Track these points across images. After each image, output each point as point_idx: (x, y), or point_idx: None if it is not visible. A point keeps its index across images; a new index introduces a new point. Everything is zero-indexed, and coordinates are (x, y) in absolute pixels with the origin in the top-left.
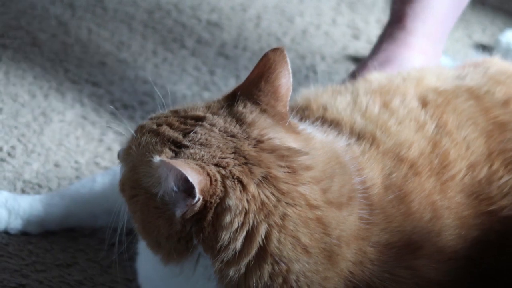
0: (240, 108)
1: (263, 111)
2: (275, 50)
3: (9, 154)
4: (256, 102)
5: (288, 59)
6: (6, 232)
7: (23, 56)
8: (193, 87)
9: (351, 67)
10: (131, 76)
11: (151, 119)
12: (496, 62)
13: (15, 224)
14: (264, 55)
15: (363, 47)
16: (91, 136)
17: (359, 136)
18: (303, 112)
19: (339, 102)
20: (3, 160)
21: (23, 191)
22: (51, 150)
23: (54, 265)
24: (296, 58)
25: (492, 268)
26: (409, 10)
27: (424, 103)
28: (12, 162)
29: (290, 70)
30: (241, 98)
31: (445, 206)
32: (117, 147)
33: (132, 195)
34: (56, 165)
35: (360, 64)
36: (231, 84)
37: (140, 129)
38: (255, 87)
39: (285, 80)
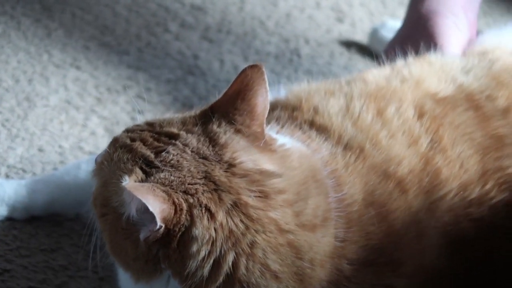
0: (215, 127)
1: (238, 131)
2: (253, 67)
3: None
4: (231, 122)
5: (266, 77)
6: None
7: (7, 40)
8: (177, 71)
9: (336, 50)
10: (115, 61)
11: (126, 131)
12: (502, 54)
13: (1, 210)
14: (242, 71)
15: (347, 30)
16: (75, 120)
17: (346, 145)
18: (292, 112)
19: (331, 106)
20: None
21: (7, 176)
22: (35, 135)
23: (39, 250)
24: (280, 41)
25: (477, 286)
26: None
27: (420, 113)
28: None
29: (268, 88)
30: (216, 116)
31: (431, 226)
32: (101, 132)
33: (102, 213)
34: (40, 149)
35: (389, 42)
36: (215, 68)
37: (114, 143)
38: (231, 105)
39: (262, 98)
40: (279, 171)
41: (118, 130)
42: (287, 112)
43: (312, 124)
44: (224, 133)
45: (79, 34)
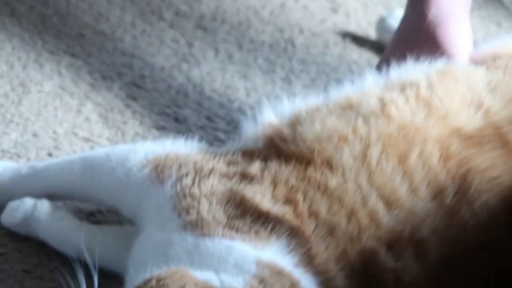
0: None
1: None
2: None
3: None
4: None
5: None
6: None
7: (1, 27)
8: (171, 59)
9: (330, 40)
10: (110, 48)
11: None
12: None
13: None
14: None
15: (341, 21)
16: (69, 106)
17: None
18: (306, 168)
19: (346, 157)
20: None
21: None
22: (30, 120)
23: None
24: (275, 31)
25: None
26: None
27: (446, 157)
28: None
29: None
30: None
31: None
32: (95, 118)
33: None
34: (34, 135)
35: (387, 49)
36: (209, 57)
37: None
38: None
39: None
40: None
41: (112, 117)
42: (296, 168)
43: (325, 189)
44: None
45: (74, 21)
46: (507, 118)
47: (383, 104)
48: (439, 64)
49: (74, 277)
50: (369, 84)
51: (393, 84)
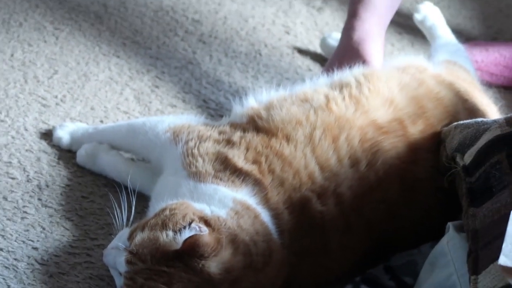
0: None
1: None
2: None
3: (61, 100)
4: None
5: None
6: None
7: (71, 37)
8: (182, 61)
9: (284, 51)
10: (142, 53)
11: None
12: (427, 78)
13: (65, 139)
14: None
15: (291, 39)
16: (115, 90)
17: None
18: (269, 138)
19: (299, 135)
20: (57, 104)
21: None
22: (89, 99)
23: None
24: (249, 45)
25: None
26: (359, 6)
27: (364, 140)
28: (63, 106)
29: None
30: None
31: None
32: (131, 98)
33: None
34: (92, 108)
35: (329, 60)
36: (206, 61)
37: None
38: None
39: None
40: None
41: (142, 98)
42: (264, 139)
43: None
44: None
45: (119, 34)
46: (408, 113)
47: (327, 100)
48: (365, 69)
49: (115, 202)
50: (320, 83)
51: (335, 83)
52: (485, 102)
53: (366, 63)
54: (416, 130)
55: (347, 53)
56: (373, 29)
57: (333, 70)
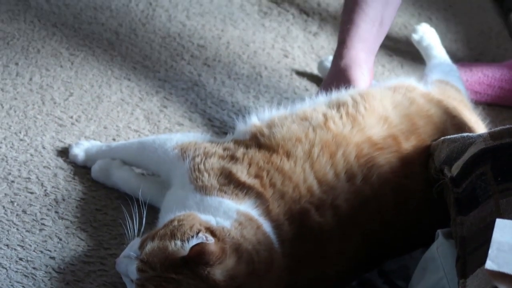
0: None
1: None
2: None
3: (76, 120)
4: None
5: None
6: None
7: (86, 62)
8: (188, 83)
9: (283, 73)
10: (151, 76)
11: None
12: (416, 96)
13: (81, 156)
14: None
15: (290, 62)
16: (126, 111)
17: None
18: (271, 155)
19: (298, 151)
20: (73, 124)
21: None
22: (102, 119)
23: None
24: (250, 67)
25: None
26: (346, 36)
27: (359, 156)
28: (78, 125)
29: None
30: None
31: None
32: (142, 118)
33: None
34: (105, 127)
35: (322, 83)
36: (211, 83)
37: None
38: None
39: None
40: None
41: (152, 117)
42: (265, 155)
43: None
44: None
45: (130, 59)
46: (401, 130)
47: (325, 118)
48: (359, 89)
49: (127, 214)
50: (319, 102)
51: (333, 102)
52: (473, 120)
53: (354, 86)
54: (409, 145)
55: (335, 78)
56: (359, 55)
57: (328, 91)
